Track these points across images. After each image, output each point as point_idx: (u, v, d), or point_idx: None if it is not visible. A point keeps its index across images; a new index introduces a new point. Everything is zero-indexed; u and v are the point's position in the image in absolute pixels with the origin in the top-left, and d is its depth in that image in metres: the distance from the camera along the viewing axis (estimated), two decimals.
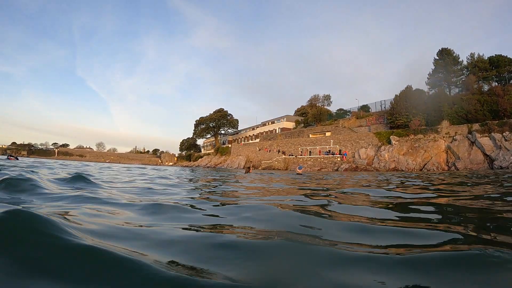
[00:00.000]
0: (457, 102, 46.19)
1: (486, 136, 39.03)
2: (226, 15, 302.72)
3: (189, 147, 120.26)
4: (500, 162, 35.26)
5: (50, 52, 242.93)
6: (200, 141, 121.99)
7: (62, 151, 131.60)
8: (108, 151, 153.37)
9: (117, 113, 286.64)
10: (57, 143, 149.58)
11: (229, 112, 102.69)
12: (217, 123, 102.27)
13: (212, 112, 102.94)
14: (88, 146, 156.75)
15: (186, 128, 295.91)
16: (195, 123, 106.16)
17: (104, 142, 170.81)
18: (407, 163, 42.30)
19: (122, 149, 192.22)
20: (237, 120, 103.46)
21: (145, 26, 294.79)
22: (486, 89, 48.00)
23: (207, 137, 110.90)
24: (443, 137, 43.09)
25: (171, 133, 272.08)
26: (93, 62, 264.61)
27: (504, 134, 37.69)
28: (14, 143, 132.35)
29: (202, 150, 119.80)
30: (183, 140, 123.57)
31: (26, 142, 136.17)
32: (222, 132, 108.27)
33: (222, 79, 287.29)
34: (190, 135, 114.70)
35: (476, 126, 41.48)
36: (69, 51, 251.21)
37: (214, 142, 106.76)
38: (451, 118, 45.17)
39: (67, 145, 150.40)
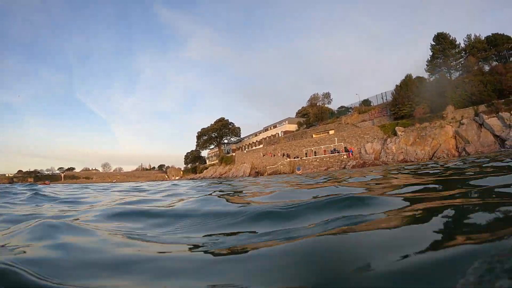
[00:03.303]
0: (460, 85, 45.09)
1: (493, 117, 37.84)
2: (218, 23, 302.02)
3: (193, 160, 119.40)
4: None
5: (48, 78, 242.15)
6: (204, 153, 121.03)
7: (69, 175, 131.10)
8: (114, 171, 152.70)
9: (120, 132, 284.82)
10: (63, 168, 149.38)
11: (230, 121, 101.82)
12: (219, 133, 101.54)
13: (213, 123, 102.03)
14: (94, 168, 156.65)
15: (190, 141, 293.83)
16: (197, 135, 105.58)
17: (109, 163, 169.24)
18: (415, 153, 41.10)
19: (128, 168, 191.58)
20: (239, 128, 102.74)
21: (139, 43, 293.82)
22: (487, 69, 46.94)
23: (210, 148, 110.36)
24: (450, 122, 41.91)
25: (175, 147, 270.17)
26: (91, 84, 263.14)
27: None
28: (20, 171, 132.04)
29: (207, 161, 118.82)
30: (187, 153, 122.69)
31: (32, 169, 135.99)
32: (225, 141, 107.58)
33: (221, 88, 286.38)
34: (194, 148, 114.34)
35: (482, 107, 40.32)
36: (66, 75, 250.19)
37: (218, 152, 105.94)
38: (456, 102, 44.05)
39: (73, 168, 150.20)
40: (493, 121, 37.35)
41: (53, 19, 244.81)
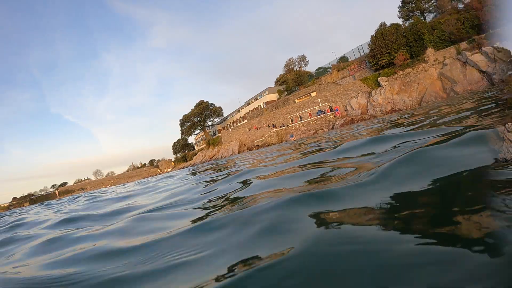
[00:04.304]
0: (436, 26, 43.99)
1: (477, 53, 36.68)
2: (175, 5, 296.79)
3: (182, 148, 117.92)
4: (499, 75, 33.11)
5: (16, 99, 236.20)
6: (191, 139, 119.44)
7: (63, 190, 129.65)
8: (106, 176, 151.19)
9: (102, 136, 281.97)
10: (55, 184, 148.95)
11: (210, 102, 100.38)
12: (201, 116, 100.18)
13: (193, 107, 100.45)
14: (86, 178, 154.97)
15: (174, 130, 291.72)
16: (179, 122, 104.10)
17: (100, 169, 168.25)
18: (403, 101, 40.14)
19: (120, 170, 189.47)
20: (220, 108, 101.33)
21: (101, 42, 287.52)
22: (461, 7, 45.86)
23: (196, 133, 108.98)
24: (433, 65, 40.78)
25: (162, 139, 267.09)
26: (62, 94, 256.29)
27: (495, 46, 35.40)
28: (15, 197, 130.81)
29: (195, 147, 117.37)
30: (174, 143, 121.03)
31: (25, 193, 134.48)
32: (209, 124, 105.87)
33: (193, 71, 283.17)
34: (180, 136, 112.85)
35: (463, 45, 39.23)
36: (35, 90, 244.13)
37: (204, 136, 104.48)
38: (435, 44, 43.04)
39: (66, 183, 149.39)
40: (477, 57, 36.23)
41: (7, 37, 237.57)
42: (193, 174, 15.84)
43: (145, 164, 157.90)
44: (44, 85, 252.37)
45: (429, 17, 52.53)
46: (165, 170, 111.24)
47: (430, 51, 42.66)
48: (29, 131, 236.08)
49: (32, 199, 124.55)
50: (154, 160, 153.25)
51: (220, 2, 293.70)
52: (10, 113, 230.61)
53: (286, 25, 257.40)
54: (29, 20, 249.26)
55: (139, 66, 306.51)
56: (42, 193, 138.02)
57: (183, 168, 75.36)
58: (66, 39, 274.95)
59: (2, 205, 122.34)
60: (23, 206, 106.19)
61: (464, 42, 39.43)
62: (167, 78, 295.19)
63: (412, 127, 8.33)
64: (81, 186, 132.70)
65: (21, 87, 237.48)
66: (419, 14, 52.83)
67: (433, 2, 51.79)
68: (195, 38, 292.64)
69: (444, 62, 39.70)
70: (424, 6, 52.25)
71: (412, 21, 49.95)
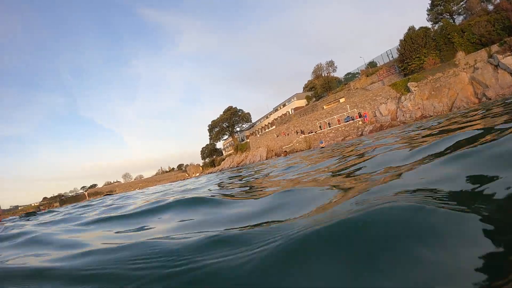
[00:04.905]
0: (466, 29, 43.47)
1: (509, 55, 36.02)
2: (203, 12, 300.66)
3: (210, 153, 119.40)
4: None
5: (49, 103, 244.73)
6: (220, 145, 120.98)
7: (92, 192, 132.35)
8: (135, 179, 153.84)
9: (132, 140, 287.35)
10: (85, 186, 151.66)
11: (239, 108, 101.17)
12: (230, 122, 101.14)
13: (222, 113, 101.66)
14: (115, 180, 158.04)
15: (203, 135, 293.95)
16: (208, 128, 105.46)
17: (129, 172, 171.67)
18: (433, 107, 39.68)
19: (148, 174, 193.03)
20: (249, 114, 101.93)
21: (131, 48, 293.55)
22: (491, 8, 45.13)
23: (224, 138, 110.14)
24: (463, 69, 40.15)
25: (191, 144, 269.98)
26: (93, 99, 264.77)
27: None
28: (45, 197, 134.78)
29: (224, 152, 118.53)
30: (202, 148, 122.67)
31: (56, 194, 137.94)
32: (238, 129, 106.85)
33: (221, 76, 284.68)
34: (208, 142, 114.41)
35: (495, 47, 38.60)
36: (67, 95, 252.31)
37: (232, 141, 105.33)
38: (465, 47, 42.54)
39: (96, 185, 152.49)
40: (509, 60, 35.55)
41: (39, 43, 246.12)
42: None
43: (173, 168, 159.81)
44: (74, 90, 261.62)
45: (459, 19, 51.79)
46: (193, 175, 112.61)
47: (460, 54, 42.15)
48: (60, 134, 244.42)
49: (62, 199, 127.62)
50: (182, 164, 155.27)
51: (248, 8, 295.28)
52: (44, 117, 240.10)
53: (314, 31, 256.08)
54: (61, 28, 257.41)
55: (168, 71, 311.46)
56: (72, 194, 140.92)
57: (211, 173, 76.23)
58: (96, 44, 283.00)
59: (33, 204, 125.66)
60: (53, 206, 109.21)
61: (495, 45, 38.80)
62: (195, 83, 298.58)
63: None
64: (110, 188, 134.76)
65: (54, 92, 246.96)
66: (448, 16, 52.08)
67: (462, 4, 50.93)
68: (223, 44, 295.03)
69: (475, 66, 39.06)
70: (453, 8, 51.47)
71: (442, 24, 49.29)
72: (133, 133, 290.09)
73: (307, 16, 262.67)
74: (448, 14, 52.12)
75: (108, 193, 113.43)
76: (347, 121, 49.25)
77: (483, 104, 29.08)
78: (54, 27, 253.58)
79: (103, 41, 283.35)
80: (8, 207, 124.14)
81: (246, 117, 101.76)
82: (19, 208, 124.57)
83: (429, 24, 53.28)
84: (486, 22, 41.40)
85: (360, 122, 47.19)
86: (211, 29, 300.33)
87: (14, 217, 26.27)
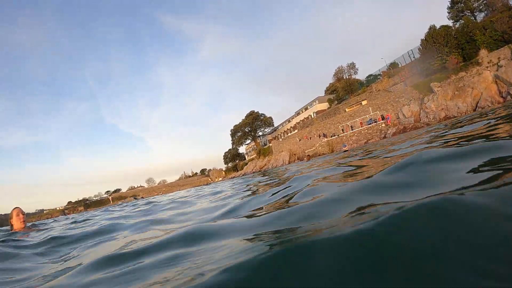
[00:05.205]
0: (488, 26, 42.81)
1: None
2: (225, 18, 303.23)
3: (233, 158, 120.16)
4: None
5: (74, 110, 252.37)
6: (242, 149, 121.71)
7: (116, 196, 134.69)
8: (158, 184, 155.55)
9: (156, 145, 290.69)
10: (109, 191, 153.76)
11: (261, 112, 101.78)
12: (252, 126, 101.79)
13: (244, 117, 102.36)
14: (139, 185, 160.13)
15: (225, 140, 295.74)
16: (230, 132, 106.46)
17: (153, 177, 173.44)
18: (457, 108, 39.21)
19: (172, 178, 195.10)
20: (271, 118, 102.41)
21: (153, 55, 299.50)
22: None
23: (247, 143, 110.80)
24: (487, 67, 39.63)
25: (213, 149, 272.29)
26: (117, 106, 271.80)
27: None
28: (70, 201, 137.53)
29: (246, 157, 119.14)
30: (225, 153, 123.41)
31: (80, 198, 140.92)
32: (260, 133, 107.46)
33: (243, 81, 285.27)
34: (230, 146, 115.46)
35: None
36: (92, 102, 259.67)
37: (255, 146, 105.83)
38: (488, 44, 41.87)
39: (119, 189, 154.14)
40: None
41: (67, 52, 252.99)
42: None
43: (196, 173, 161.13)
44: (99, 96, 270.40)
45: (480, 16, 50.93)
46: (216, 180, 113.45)
47: (483, 52, 41.56)
48: (86, 139, 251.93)
49: (87, 203, 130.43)
50: (205, 169, 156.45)
51: (268, 14, 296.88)
52: (70, 124, 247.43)
53: (334, 33, 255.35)
54: (86, 36, 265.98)
55: (191, 77, 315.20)
56: (96, 198, 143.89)
57: (233, 177, 76.67)
58: (120, 52, 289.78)
59: (58, 208, 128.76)
60: (78, 210, 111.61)
61: None
62: (217, 88, 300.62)
63: None
64: (134, 193, 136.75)
65: (80, 99, 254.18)
66: (469, 14, 51.38)
67: (483, 1, 50.16)
68: (244, 49, 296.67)
69: (498, 64, 38.51)
70: (474, 5, 50.72)
71: (463, 21, 48.71)
72: (157, 138, 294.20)
73: (328, 19, 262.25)
74: (469, 11, 51.41)
75: (142, 197, 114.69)
76: (370, 124, 49.05)
77: (508, 102, 28.73)
78: (79, 36, 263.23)
79: (125, 47, 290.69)
80: (34, 211, 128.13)
81: (268, 122, 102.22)
82: (44, 212, 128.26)
83: (450, 23, 52.64)
84: (508, 18, 40.74)
85: (383, 125, 46.95)
86: (232, 34, 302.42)
87: (42, 221, 24.85)
